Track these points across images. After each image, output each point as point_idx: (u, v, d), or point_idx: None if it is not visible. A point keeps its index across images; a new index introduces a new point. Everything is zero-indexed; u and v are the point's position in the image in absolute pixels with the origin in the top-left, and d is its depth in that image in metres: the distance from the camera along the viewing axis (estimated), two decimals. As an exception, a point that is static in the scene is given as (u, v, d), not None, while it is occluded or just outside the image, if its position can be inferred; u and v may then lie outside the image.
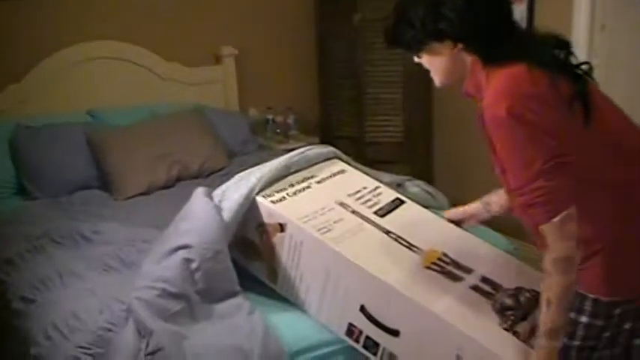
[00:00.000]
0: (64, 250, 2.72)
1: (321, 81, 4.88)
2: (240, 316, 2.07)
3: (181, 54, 4.27)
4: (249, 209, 2.17)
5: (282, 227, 2.09)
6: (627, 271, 1.70)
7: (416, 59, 1.87)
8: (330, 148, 2.62)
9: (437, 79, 1.86)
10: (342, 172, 2.46)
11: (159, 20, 4.21)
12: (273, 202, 2.14)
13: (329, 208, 2.17)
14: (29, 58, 3.82)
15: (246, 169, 2.39)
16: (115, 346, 1.98)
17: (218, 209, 2.20)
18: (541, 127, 1.60)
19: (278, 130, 4.49)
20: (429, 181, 3.71)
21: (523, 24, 3.17)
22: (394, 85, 4.55)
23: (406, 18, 1.80)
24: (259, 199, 2.15)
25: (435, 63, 1.82)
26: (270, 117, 4.51)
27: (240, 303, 2.12)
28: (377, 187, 2.40)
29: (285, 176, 2.33)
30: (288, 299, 2.16)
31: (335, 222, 2.10)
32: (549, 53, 1.70)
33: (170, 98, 4.16)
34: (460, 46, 1.74)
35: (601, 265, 1.68)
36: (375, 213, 2.23)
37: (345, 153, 2.67)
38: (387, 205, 2.30)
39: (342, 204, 2.22)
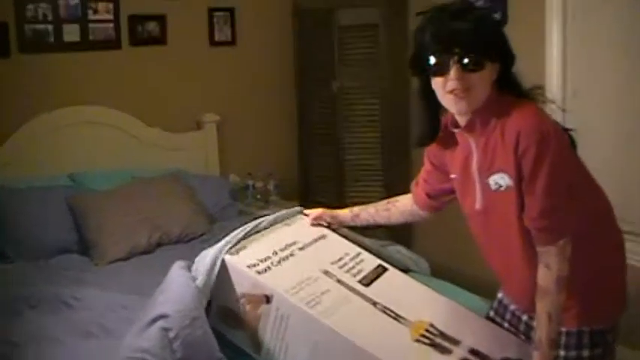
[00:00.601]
0: (42, 315, 2.70)
1: (301, 147, 4.94)
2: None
3: (163, 120, 4.33)
4: (229, 278, 2.15)
5: (268, 299, 2.06)
6: (610, 298, 1.90)
7: (455, 75, 1.76)
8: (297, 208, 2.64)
9: (476, 100, 1.81)
10: (323, 237, 2.46)
11: (142, 86, 4.28)
12: (258, 272, 2.12)
13: (314, 278, 2.15)
14: (12, 121, 3.85)
15: (226, 234, 2.40)
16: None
17: (193, 278, 2.20)
18: (566, 158, 1.78)
19: (258, 196, 4.52)
20: (409, 245, 3.74)
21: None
22: (373, 151, 4.63)
23: (490, 30, 1.83)
24: (244, 268, 2.13)
25: (485, 82, 1.80)
26: (250, 183, 4.54)
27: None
28: (359, 254, 2.41)
29: (258, 231, 2.33)
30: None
31: (322, 293, 2.09)
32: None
33: (151, 163, 4.19)
34: (496, 71, 1.81)
35: (588, 299, 1.85)
36: (360, 282, 2.22)
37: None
38: (370, 272, 2.30)
39: (326, 272, 2.21)
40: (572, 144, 1.84)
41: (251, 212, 4.33)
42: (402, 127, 4.74)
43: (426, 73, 1.84)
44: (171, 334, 2.08)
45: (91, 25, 4.06)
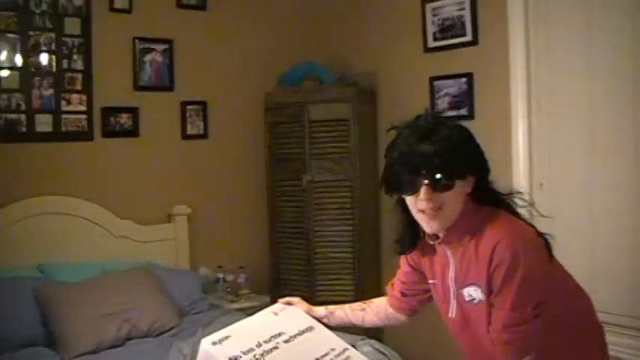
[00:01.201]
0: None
1: (272, 240, 4.92)
2: None
3: (135, 212, 4.30)
4: None
5: None
6: None
7: (425, 196, 1.76)
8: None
9: (449, 218, 1.81)
10: (310, 328, 2.39)
11: (113, 178, 4.27)
12: None
13: None
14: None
15: (196, 328, 2.33)
16: None
17: None
18: (538, 275, 1.74)
19: (229, 289, 4.46)
20: (380, 339, 3.69)
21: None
22: (344, 244, 4.63)
23: (461, 149, 1.80)
24: None
25: (457, 199, 1.80)
26: (221, 276, 4.49)
27: None
28: (345, 350, 2.32)
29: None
30: None
31: None
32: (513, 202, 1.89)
33: (122, 255, 4.13)
34: (470, 185, 1.82)
35: None
36: None
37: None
38: None
39: None
40: (548, 248, 1.82)
41: (221, 306, 4.28)
42: (373, 221, 4.78)
43: (398, 193, 1.87)
44: None
45: (63, 116, 4.07)
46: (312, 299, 4.55)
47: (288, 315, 2.37)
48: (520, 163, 3.81)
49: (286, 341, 2.23)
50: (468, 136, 1.84)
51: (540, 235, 1.81)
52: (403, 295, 2.20)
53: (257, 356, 2.10)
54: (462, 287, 1.84)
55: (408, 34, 4.55)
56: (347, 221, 4.62)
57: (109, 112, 4.25)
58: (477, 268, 1.79)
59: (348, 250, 4.63)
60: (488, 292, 1.77)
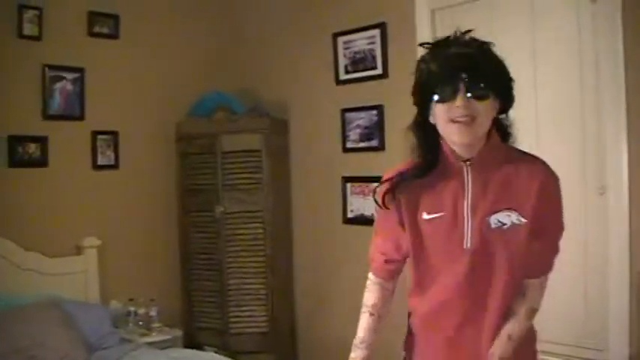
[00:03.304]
0: None
1: (184, 272, 4.86)
2: None
3: (42, 244, 4.15)
4: None
5: None
6: None
7: (462, 103, 1.76)
8: None
9: (479, 131, 1.82)
10: None
11: (20, 209, 4.12)
12: None
13: None
14: None
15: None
16: None
17: None
18: None
19: (141, 323, 4.36)
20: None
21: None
22: (257, 275, 4.63)
23: (497, 62, 1.83)
24: None
25: (488, 114, 1.81)
26: (132, 309, 4.38)
27: None
28: None
29: None
30: None
31: None
32: None
33: (28, 289, 3.97)
34: (496, 109, 1.85)
35: None
36: None
37: (210, 344, 2.60)
38: None
39: None
40: None
41: (133, 340, 4.19)
42: (286, 251, 4.81)
43: (427, 105, 1.84)
44: None
45: (-32, 144, 3.93)
46: (226, 331, 4.57)
47: None
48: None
49: None
50: (500, 57, 1.86)
51: None
52: (387, 262, 2.09)
53: None
54: (489, 214, 1.85)
55: (320, 66, 4.64)
56: (259, 252, 4.63)
57: (16, 140, 4.12)
58: (516, 195, 1.84)
59: (261, 281, 4.63)
60: (532, 216, 1.83)
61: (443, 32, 3.78)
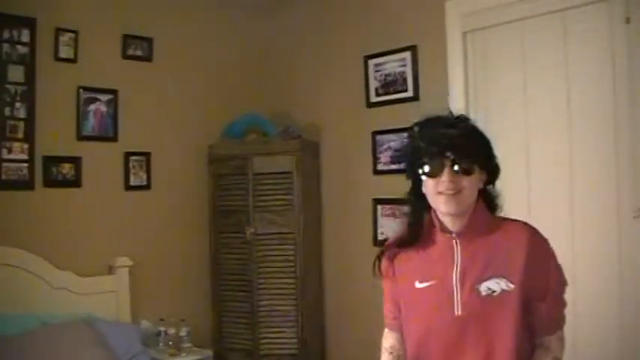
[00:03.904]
0: None
1: (215, 293, 4.87)
2: None
3: (75, 263, 4.19)
4: None
5: None
6: None
7: (447, 178, 1.93)
8: None
9: (465, 202, 1.96)
10: None
11: (54, 229, 4.16)
12: None
13: None
14: None
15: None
16: None
17: None
18: None
19: (171, 343, 4.37)
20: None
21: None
22: (287, 297, 4.62)
23: (480, 140, 2.00)
24: None
25: (473, 186, 1.96)
26: (162, 329, 4.40)
27: None
28: None
29: None
30: None
31: None
32: None
33: (61, 308, 4.00)
34: (482, 180, 2.00)
35: None
36: None
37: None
38: None
39: None
40: None
41: (163, 359, 4.20)
42: (317, 273, 4.79)
43: (419, 176, 2.00)
44: None
45: (4, 164, 3.97)
46: (256, 353, 4.57)
47: None
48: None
49: None
50: (484, 134, 2.02)
51: None
52: (395, 317, 2.21)
53: None
54: (479, 282, 1.94)
55: (351, 88, 4.66)
56: (290, 273, 4.62)
57: (51, 161, 4.18)
58: (505, 260, 1.93)
59: (292, 302, 4.62)
60: (521, 280, 1.90)
61: (474, 55, 3.86)
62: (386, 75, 4.43)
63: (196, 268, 4.89)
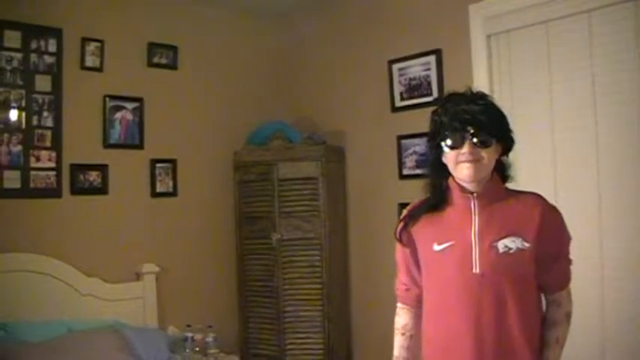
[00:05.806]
0: None
1: (241, 299, 4.88)
2: None
3: (102, 270, 4.24)
4: None
5: None
6: None
7: (468, 149, 2.05)
8: None
9: (484, 170, 2.09)
10: None
11: (81, 236, 4.22)
12: None
13: None
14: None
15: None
16: None
17: None
18: None
19: (197, 349, 4.38)
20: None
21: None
22: (313, 303, 4.62)
23: (498, 115, 2.13)
24: None
25: (491, 157, 2.09)
26: (189, 335, 4.41)
27: None
28: None
29: None
30: None
31: None
32: None
33: (88, 314, 4.05)
34: (498, 152, 2.13)
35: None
36: None
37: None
38: None
39: None
40: None
41: (190, 365, 4.22)
42: (343, 279, 4.78)
43: (440, 149, 2.12)
44: None
45: (32, 172, 4.04)
46: (282, 358, 4.55)
47: None
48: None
49: None
50: (501, 109, 2.16)
51: None
52: (409, 289, 2.36)
53: None
54: (496, 240, 2.07)
55: (376, 93, 4.64)
56: (316, 279, 4.62)
57: (78, 169, 4.23)
58: (520, 222, 2.08)
59: (318, 308, 4.61)
60: (536, 241, 2.05)
61: (499, 58, 3.83)
62: (410, 79, 4.41)
63: (222, 274, 4.91)
